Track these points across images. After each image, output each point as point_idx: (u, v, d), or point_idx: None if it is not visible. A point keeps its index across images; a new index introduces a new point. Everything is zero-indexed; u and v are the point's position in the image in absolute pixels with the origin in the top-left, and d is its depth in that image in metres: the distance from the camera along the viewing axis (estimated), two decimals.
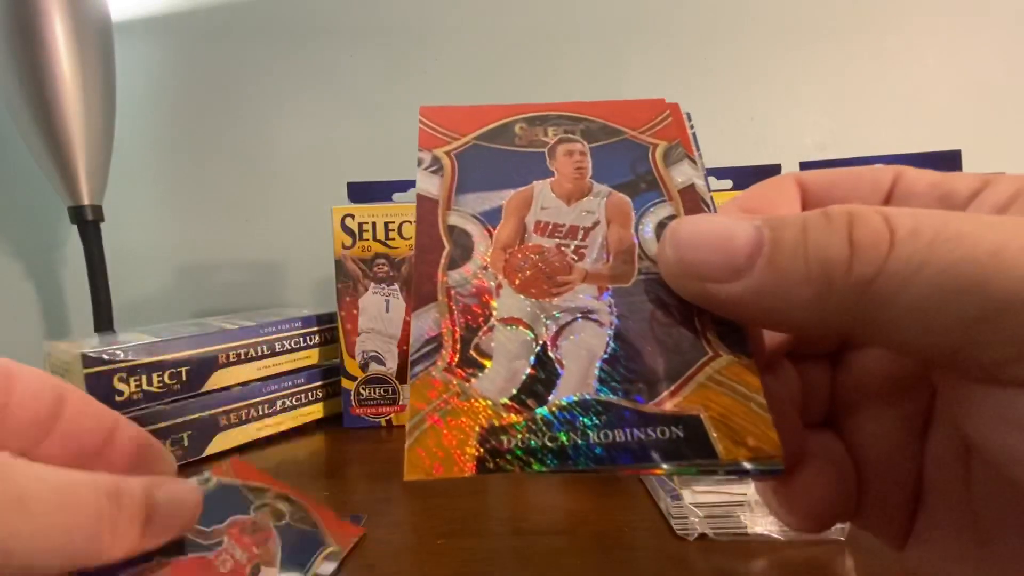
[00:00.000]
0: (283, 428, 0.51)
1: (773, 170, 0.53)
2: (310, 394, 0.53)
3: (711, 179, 0.54)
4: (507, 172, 0.19)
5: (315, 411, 0.54)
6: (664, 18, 0.71)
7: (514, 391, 0.15)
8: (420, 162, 0.19)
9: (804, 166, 0.52)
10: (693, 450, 0.14)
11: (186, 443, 0.45)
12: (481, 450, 0.14)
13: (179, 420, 0.44)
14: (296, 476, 0.44)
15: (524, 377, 0.15)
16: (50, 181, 0.62)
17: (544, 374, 0.15)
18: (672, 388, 0.15)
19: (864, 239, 0.12)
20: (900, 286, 0.12)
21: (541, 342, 0.16)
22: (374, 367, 0.52)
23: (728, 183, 0.54)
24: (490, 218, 0.18)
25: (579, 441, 0.14)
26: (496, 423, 0.14)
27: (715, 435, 0.14)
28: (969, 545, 0.16)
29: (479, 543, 0.32)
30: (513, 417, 0.14)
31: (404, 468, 0.14)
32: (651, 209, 0.18)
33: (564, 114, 0.20)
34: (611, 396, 0.15)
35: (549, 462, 0.14)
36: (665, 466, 0.14)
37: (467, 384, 0.15)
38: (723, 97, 0.70)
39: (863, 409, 0.18)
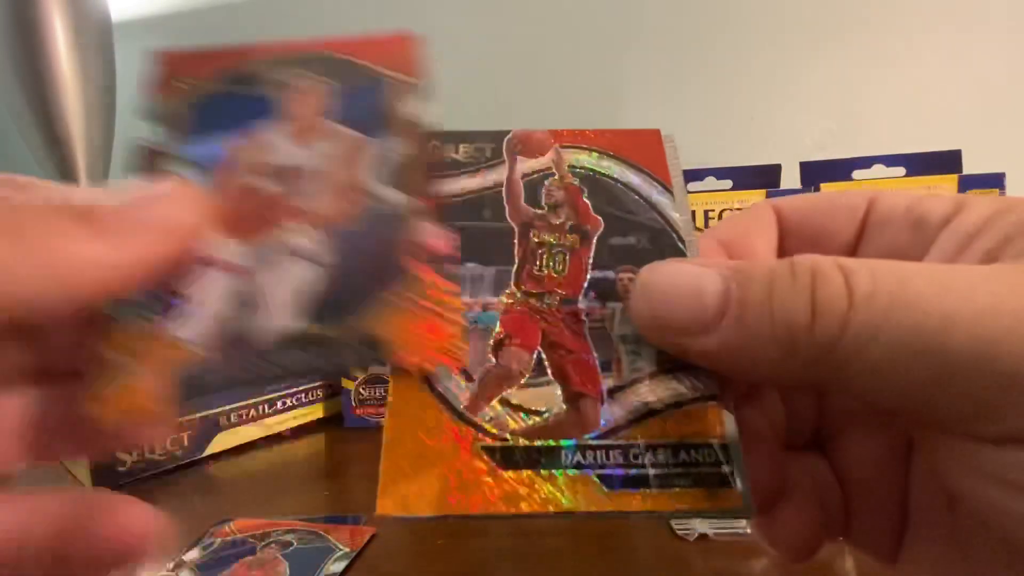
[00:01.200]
0: (283, 428, 0.51)
1: (773, 170, 0.53)
2: (310, 394, 0.53)
3: (710, 179, 0.54)
4: (240, 118, 0.18)
5: (315, 411, 0.54)
6: (664, 18, 0.71)
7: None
8: (151, 112, 0.18)
9: (804, 166, 0.52)
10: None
11: (186, 443, 0.45)
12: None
13: (179, 419, 0.44)
14: (296, 476, 0.44)
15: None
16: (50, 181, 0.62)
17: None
18: (361, 312, 0.16)
19: (825, 300, 0.13)
20: (857, 351, 0.13)
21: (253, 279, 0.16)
22: (374, 367, 0.52)
23: (728, 183, 0.54)
24: (211, 162, 0.18)
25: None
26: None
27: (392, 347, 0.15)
28: (955, 561, 0.16)
29: (480, 543, 0.32)
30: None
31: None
32: (383, 146, 0.18)
33: (305, 53, 0.20)
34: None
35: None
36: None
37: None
38: (723, 97, 0.70)
39: (848, 432, 0.18)
